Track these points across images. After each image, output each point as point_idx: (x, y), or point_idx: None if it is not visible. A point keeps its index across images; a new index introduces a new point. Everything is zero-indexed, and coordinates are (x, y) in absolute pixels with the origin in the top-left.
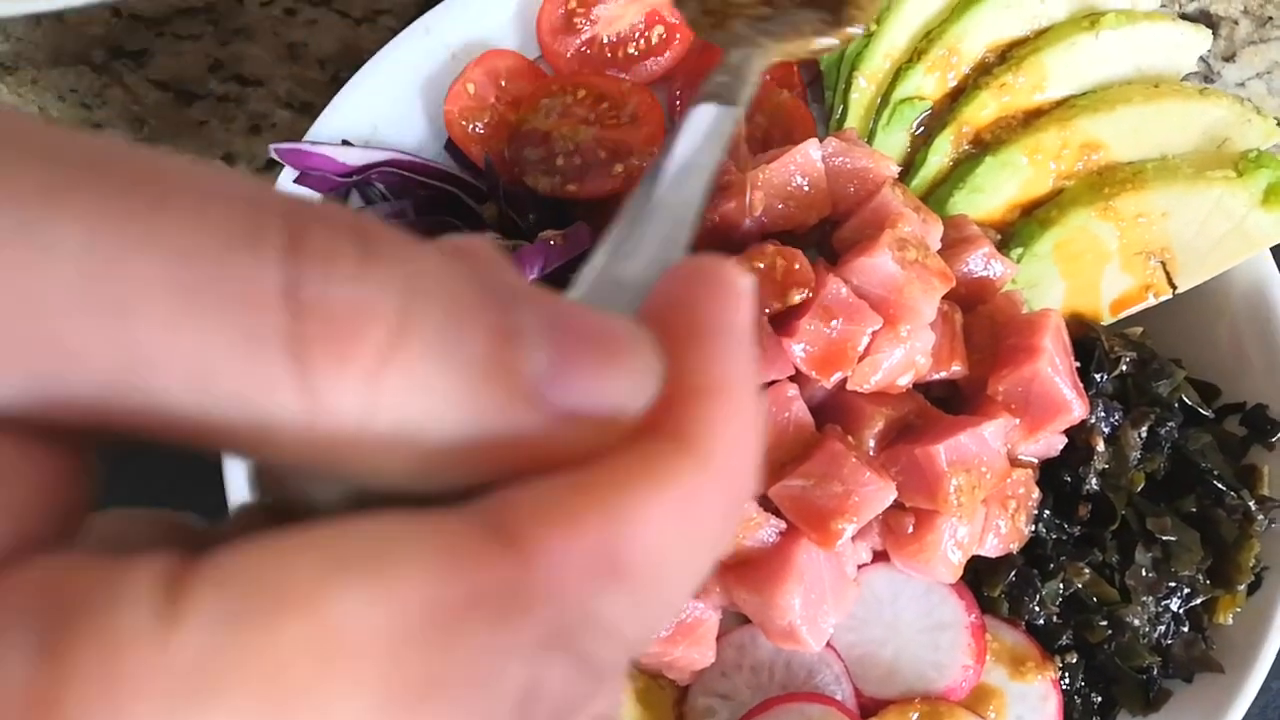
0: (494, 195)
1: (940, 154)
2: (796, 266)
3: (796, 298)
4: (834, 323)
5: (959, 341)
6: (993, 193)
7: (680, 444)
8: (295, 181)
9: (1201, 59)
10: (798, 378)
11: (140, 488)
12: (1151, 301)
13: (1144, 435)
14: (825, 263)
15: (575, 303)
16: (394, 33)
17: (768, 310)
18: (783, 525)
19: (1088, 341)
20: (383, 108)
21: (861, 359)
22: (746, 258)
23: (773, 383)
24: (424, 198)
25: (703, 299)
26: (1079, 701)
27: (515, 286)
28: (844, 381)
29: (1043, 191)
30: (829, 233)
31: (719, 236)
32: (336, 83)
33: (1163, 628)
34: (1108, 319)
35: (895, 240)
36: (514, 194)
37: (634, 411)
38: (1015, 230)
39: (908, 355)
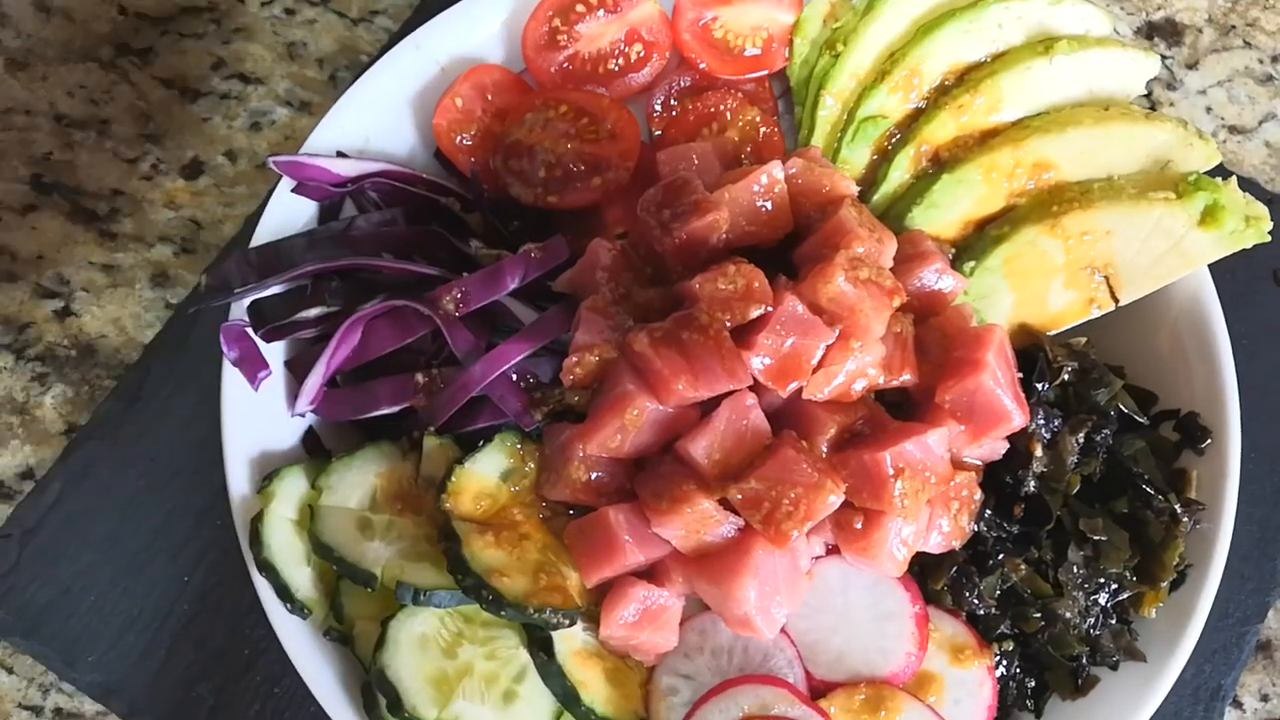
0: (479, 204)
1: (900, 170)
2: (756, 285)
3: (755, 313)
4: (790, 338)
5: (910, 352)
6: (948, 209)
7: None
8: (293, 191)
9: (1165, 66)
10: (756, 387)
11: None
12: (1095, 314)
13: (1081, 441)
14: (785, 279)
15: None
16: (389, 33)
17: (729, 324)
18: (741, 522)
19: (1032, 351)
20: (375, 120)
21: (815, 371)
22: (711, 275)
23: (733, 392)
24: (414, 206)
25: None
26: (1013, 686)
27: None
28: (800, 391)
29: (996, 208)
30: (790, 247)
31: (687, 253)
32: (334, 82)
33: (1092, 620)
34: (1053, 330)
35: (849, 260)
36: (498, 203)
37: None
38: (968, 245)
39: (859, 367)
